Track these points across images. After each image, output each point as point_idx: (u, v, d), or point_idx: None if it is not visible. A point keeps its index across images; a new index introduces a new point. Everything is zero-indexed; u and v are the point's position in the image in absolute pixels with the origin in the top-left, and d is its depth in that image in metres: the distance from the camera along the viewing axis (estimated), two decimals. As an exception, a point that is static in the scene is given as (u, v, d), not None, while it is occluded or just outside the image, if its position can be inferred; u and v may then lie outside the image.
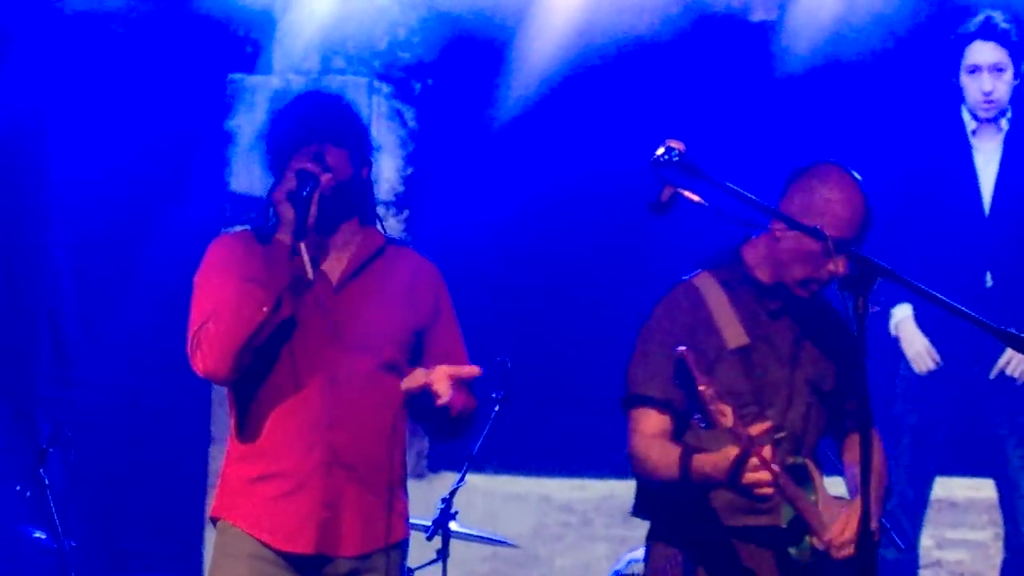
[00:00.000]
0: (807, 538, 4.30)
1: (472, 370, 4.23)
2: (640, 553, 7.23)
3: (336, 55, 8.56)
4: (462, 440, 6.65)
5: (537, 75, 8.20)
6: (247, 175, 8.43)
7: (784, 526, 4.32)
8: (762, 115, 7.90)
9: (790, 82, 7.97)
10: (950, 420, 7.64)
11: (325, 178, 4.15)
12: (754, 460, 4.02)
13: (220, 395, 7.27)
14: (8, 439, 7.63)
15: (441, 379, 4.11)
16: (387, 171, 8.57)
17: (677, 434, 4.36)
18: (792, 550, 4.32)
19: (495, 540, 6.96)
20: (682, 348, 4.06)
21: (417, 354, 4.34)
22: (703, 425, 4.07)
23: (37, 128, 7.96)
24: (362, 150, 4.32)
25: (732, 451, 4.05)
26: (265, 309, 4.07)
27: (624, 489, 8.39)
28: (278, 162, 4.27)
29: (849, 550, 4.18)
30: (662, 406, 4.32)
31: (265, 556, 4.25)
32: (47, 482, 6.31)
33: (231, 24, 8.19)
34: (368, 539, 4.29)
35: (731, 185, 3.95)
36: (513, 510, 8.24)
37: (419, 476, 8.39)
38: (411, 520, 6.68)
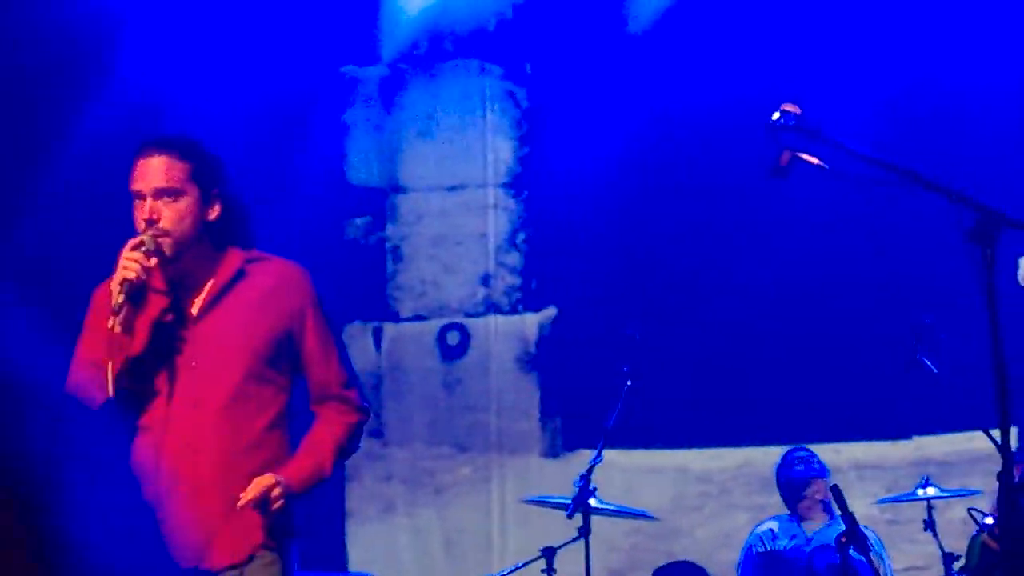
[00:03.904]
0: None
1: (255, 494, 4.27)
2: (771, 524, 7.19)
3: (445, 39, 8.57)
4: (595, 416, 6.72)
5: (649, 43, 8.16)
6: (364, 167, 8.51)
7: None
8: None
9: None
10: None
11: (152, 264, 4.22)
12: None
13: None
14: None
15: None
16: (503, 152, 8.57)
17: None
18: None
19: (636, 513, 6.94)
20: None
21: (292, 357, 4.43)
22: None
23: (152, 122, 8.04)
24: (208, 192, 4.38)
25: None
26: (104, 393, 4.22)
27: (761, 456, 8.36)
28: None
29: None
30: None
31: None
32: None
33: (341, 16, 8.23)
34: (239, 549, 4.32)
35: (851, 147, 3.87)
36: (651, 483, 8.21)
37: (554, 455, 8.40)
38: (549, 498, 6.75)
